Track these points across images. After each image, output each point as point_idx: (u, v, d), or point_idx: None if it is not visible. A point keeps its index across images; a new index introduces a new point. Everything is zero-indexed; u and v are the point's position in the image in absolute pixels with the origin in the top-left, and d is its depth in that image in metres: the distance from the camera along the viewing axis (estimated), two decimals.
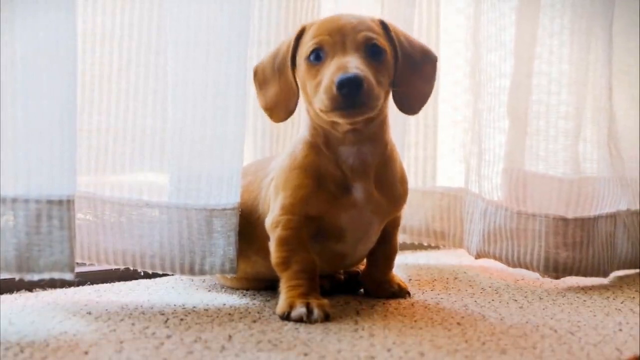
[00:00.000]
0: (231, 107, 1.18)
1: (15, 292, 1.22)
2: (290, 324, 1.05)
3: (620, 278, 1.50)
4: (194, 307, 1.16)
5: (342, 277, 1.31)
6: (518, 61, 1.49)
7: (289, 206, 1.13)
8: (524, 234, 1.43)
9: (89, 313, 1.09)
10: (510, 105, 1.50)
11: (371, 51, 1.09)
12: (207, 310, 1.14)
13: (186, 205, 1.18)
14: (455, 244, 1.62)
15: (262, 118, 1.42)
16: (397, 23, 1.23)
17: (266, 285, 1.27)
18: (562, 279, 1.44)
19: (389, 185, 1.17)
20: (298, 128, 1.45)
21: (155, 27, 1.22)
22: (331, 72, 1.05)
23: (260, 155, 1.42)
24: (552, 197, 1.45)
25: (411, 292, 1.28)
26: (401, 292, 1.25)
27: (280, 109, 1.16)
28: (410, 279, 1.42)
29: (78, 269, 1.15)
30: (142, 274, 1.26)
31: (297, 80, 1.14)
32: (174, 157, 1.19)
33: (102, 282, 1.32)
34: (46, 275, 1.02)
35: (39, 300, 1.17)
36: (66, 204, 1.03)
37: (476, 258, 1.52)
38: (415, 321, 1.09)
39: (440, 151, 1.68)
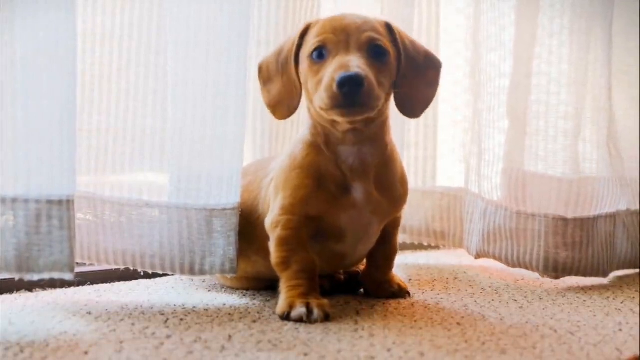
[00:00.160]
0: (231, 107, 1.18)
1: (15, 292, 1.22)
2: (290, 324, 1.05)
3: (620, 278, 1.51)
4: (194, 307, 1.16)
5: (342, 277, 1.31)
6: (517, 61, 1.49)
7: (288, 206, 1.13)
8: (524, 234, 1.43)
9: (89, 313, 1.09)
10: (509, 105, 1.50)
11: (374, 52, 1.09)
12: (207, 310, 1.14)
13: (186, 205, 1.18)
14: (455, 244, 1.62)
15: (261, 118, 1.42)
16: (396, 23, 1.23)
17: (266, 285, 1.27)
18: (562, 279, 1.44)
19: (389, 186, 1.17)
20: (298, 128, 1.45)
21: (155, 27, 1.22)
22: (333, 70, 1.05)
23: (260, 155, 1.42)
24: (551, 197, 1.45)
25: (411, 292, 1.28)
26: (401, 292, 1.25)
27: (283, 106, 1.16)
28: (410, 279, 1.42)
29: (78, 269, 1.15)
30: (142, 274, 1.26)
31: (300, 77, 1.14)
32: (174, 157, 1.19)
33: (102, 282, 1.32)
34: (46, 275, 1.02)
35: (39, 300, 1.17)
36: (66, 204, 1.03)
37: (476, 258, 1.52)
38: (415, 321, 1.09)
39: (440, 151, 1.68)
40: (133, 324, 1.04)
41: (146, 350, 0.91)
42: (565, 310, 1.19)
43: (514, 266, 1.46)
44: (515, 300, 1.26)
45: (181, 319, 1.07)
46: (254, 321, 1.07)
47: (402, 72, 1.14)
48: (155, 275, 1.33)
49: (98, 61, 1.21)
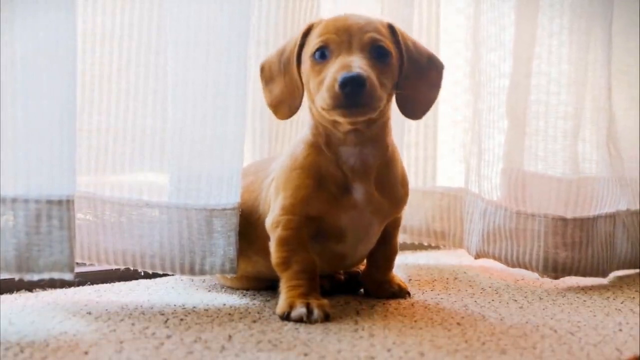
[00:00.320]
0: (231, 107, 1.18)
1: (15, 292, 1.22)
2: (290, 324, 1.05)
3: (620, 278, 1.51)
4: (194, 307, 1.16)
5: (342, 277, 1.31)
6: (517, 61, 1.49)
7: (289, 206, 1.13)
8: (523, 234, 1.43)
9: (89, 313, 1.09)
10: (509, 105, 1.50)
11: (376, 52, 1.09)
12: (207, 310, 1.14)
13: (186, 205, 1.18)
14: (455, 244, 1.62)
15: (261, 118, 1.42)
16: (396, 23, 1.23)
17: (266, 285, 1.27)
18: (562, 279, 1.44)
19: (390, 187, 1.17)
20: (297, 128, 1.45)
21: (155, 27, 1.22)
22: (335, 70, 1.05)
23: (260, 156, 1.42)
24: (551, 197, 1.46)
25: (411, 292, 1.28)
26: (401, 293, 1.25)
27: (284, 106, 1.16)
28: (410, 279, 1.42)
29: (78, 269, 1.15)
30: (142, 274, 1.26)
31: (302, 77, 1.14)
32: (174, 157, 1.19)
33: (102, 282, 1.32)
34: (46, 275, 1.02)
35: (39, 300, 1.17)
36: (66, 204, 1.03)
37: (476, 258, 1.52)
38: (415, 321, 1.09)
39: (440, 151, 1.68)
40: (133, 324, 1.04)
41: (146, 350, 0.91)
42: (565, 310, 1.19)
43: (513, 266, 1.46)
44: (515, 300, 1.26)
45: (181, 319, 1.07)
46: (254, 321, 1.07)
47: (404, 73, 1.14)
48: (155, 275, 1.33)
49: (98, 61, 1.21)
